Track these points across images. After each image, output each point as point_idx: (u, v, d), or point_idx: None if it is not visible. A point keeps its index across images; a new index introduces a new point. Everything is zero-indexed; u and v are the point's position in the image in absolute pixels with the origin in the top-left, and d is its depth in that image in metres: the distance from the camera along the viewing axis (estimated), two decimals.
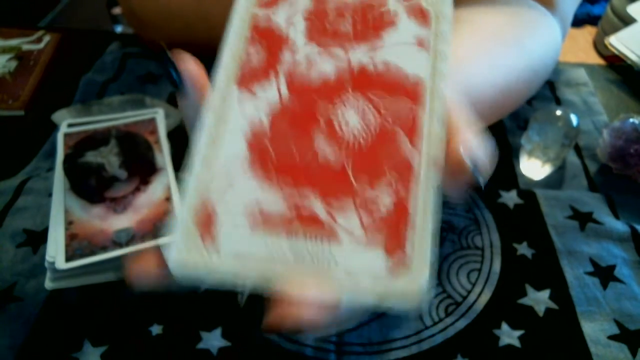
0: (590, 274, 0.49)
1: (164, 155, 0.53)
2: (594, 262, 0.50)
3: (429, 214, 0.25)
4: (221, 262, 0.24)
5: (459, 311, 0.46)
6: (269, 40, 0.30)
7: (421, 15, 0.30)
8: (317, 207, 0.25)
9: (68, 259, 0.44)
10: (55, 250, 0.44)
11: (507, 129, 0.66)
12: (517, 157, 0.62)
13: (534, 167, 0.60)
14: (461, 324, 0.45)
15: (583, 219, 0.54)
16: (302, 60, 0.29)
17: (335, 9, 0.30)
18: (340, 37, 0.30)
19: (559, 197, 0.56)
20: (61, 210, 0.48)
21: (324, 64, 0.29)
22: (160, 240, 0.44)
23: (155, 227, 0.47)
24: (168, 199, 0.49)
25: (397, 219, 0.25)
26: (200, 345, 0.44)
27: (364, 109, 0.27)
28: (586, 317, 0.46)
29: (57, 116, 0.62)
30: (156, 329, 0.44)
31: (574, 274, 0.49)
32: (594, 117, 0.68)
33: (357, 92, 0.28)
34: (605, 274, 0.49)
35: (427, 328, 0.45)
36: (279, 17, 0.30)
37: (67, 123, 0.56)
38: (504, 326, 0.45)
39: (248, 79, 0.29)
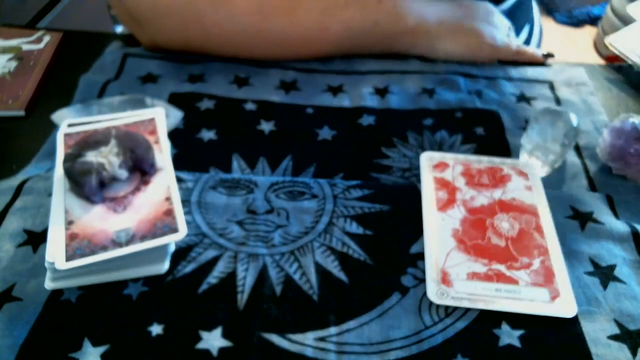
0: (590, 274, 0.49)
1: (164, 155, 0.53)
2: (594, 262, 0.50)
3: (562, 268, 0.49)
4: (455, 300, 0.47)
5: (459, 311, 0.46)
6: (447, 187, 0.56)
7: (523, 174, 0.58)
8: (502, 268, 0.49)
9: (68, 258, 0.44)
10: (55, 250, 0.44)
11: (506, 129, 0.66)
12: (517, 157, 0.62)
13: (533, 165, 0.60)
14: (461, 324, 0.45)
15: (583, 218, 0.54)
16: (468, 198, 0.55)
17: (477, 171, 0.58)
18: (484, 185, 0.57)
19: (559, 197, 0.56)
20: (61, 210, 0.48)
21: (480, 199, 0.55)
22: (161, 240, 0.45)
23: (155, 226, 0.47)
24: (168, 198, 0.49)
25: (546, 273, 0.49)
26: (200, 345, 0.44)
27: (509, 220, 0.53)
28: (586, 317, 0.46)
29: (57, 116, 0.62)
30: (156, 329, 0.44)
31: (574, 274, 0.49)
32: (593, 116, 0.68)
33: (502, 212, 0.54)
34: (605, 274, 0.49)
35: (427, 328, 0.45)
36: (448, 176, 0.58)
37: (67, 123, 0.56)
38: (504, 326, 0.45)
39: (442, 207, 0.54)
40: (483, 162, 0.59)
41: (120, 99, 0.65)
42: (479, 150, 0.63)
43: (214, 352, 0.43)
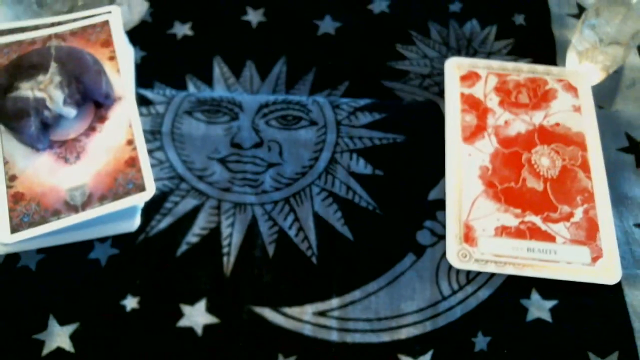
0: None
1: (122, 78, 0.42)
2: None
3: (609, 222, 0.41)
4: (479, 264, 0.39)
5: (483, 277, 0.39)
6: (477, 109, 0.45)
7: (572, 89, 0.47)
8: (537, 221, 0.40)
9: (14, 229, 0.36)
10: None
11: (553, 17, 0.52)
12: (562, 57, 0.50)
13: (583, 74, 0.48)
14: (484, 293, 0.39)
15: None
16: (501, 123, 0.44)
17: (515, 87, 0.46)
18: (522, 105, 0.45)
19: (613, 119, 0.46)
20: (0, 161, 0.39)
21: (517, 125, 0.44)
22: (123, 202, 0.36)
23: (116, 182, 0.38)
24: (130, 141, 0.40)
25: (590, 226, 0.40)
26: (183, 323, 0.38)
27: (550, 154, 0.43)
28: (631, 282, 0.39)
29: None
30: (131, 303, 0.38)
31: (622, 227, 0.41)
32: None
33: (543, 144, 0.44)
34: None
35: (444, 299, 0.39)
36: (479, 93, 0.46)
37: None
38: (534, 296, 0.39)
39: (469, 137, 0.44)
40: (523, 71, 0.47)
41: None
42: (518, 48, 0.50)
43: (199, 331, 0.38)
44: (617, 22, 0.46)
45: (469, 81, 0.47)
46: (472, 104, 0.46)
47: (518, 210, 0.41)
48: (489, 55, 0.50)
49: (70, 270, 0.39)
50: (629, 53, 0.48)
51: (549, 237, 0.40)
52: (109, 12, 0.45)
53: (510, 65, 0.48)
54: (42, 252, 0.40)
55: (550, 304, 0.39)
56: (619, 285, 0.39)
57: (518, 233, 0.40)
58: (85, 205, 0.37)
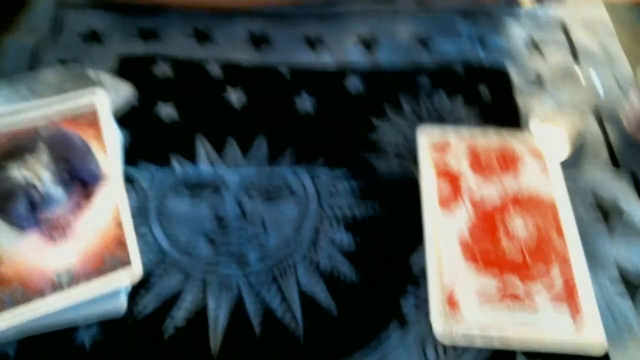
0: (620, 293, 0.42)
1: (109, 157, 0.44)
2: (623, 275, 0.43)
3: (587, 286, 0.41)
4: (467, 328, 0.39)
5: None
6: (450, 176, 0.48)
7: (538, 153, 0.49)
8: (518, 288, 0.41)
9: None
10: None
11: (515, 88, 0.56)
12: (527, 123, 0.53)
13: (547, 141, 0.51)
14: (469, 356, 0.39)
15: (608, 213, 0.46)
16: (475, 188, 0.47)
17: (484, 152, 0.49)
18: (493, 171, 0.48)
19: (579, 183, 0.48)
20: None
21: (489, 190, 0.47)
22: (111, 283, 0.37)
23: (104, 261, 0.38)
24: (118, 220, 0.41)
25: (569, 290, 0.41)
26: None
27: (524, 217, 0.45)
28: (617, 348, 0.40)
29: None
30: None
31: (601, 293, 0.42)
32: (615, 67, 0.58)
33: (516, 208, 0.46)
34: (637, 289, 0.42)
35: None
36: (451, 160, 0.49)
37: None
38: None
39: (445, 203, 0.46)
40: (491, 140, 0.50)
41: (57, 75, 0.53)
42: (484, 116, 0.54)
43: None
44: (571, 94, 0.50)
45: (441, 152, 0.50)
46: (446, 175, 0.48)
47: (496, 272, 0.42)
48: (458, 125, 0.53)
49: (50, 356, 0.38)
50: (586, 122, 0.51)
51: (530, 301, 0.41)
52: (96, 96, 0.47)
53: (478, 134, 0.51)
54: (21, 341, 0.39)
55: None
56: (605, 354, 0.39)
57: (501, 299, 0.41)
58: (72, 285, 0.37)
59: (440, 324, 0.40)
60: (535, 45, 0.60)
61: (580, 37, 0.61)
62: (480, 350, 0.39)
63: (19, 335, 0.38)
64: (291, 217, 0.45)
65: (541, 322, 0.40)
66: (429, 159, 0.49)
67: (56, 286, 0.37)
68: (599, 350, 0.38)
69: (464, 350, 0.39)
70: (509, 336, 0.39)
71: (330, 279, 0.42)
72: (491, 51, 0.60)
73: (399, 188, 0.47)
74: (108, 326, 0.40)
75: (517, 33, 0.62)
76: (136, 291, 0.41)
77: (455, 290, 0.41)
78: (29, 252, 0.39)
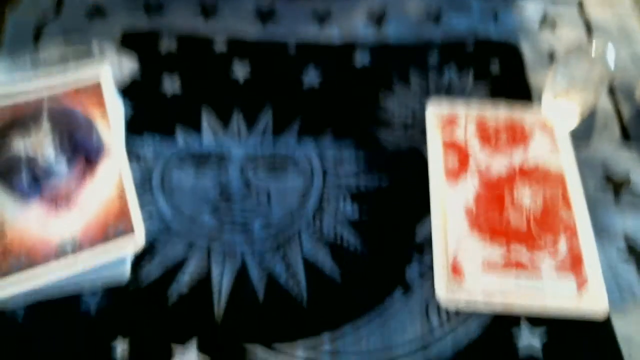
0: (624, 259, 0.42)
1: (112, 132, 0.44)
2: (629, 243, 0.43)
3: (593, 255, 0.41)
4: (469, 294, 0.39)
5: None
6: (458, 151, 0.46)
7: (549, 130, 0.48)
8: (522, 253, 0.41)
9: (2, 279, 0.36)
10: None
11: (527, 65, 0.55)
12: (539, 101, 0.52)
13: (559, 116, 0.50)
14: (473, 324, 0.39)
15: (618, 186, 0.46)
16: (482, 164, 0.45)
17: (494, 127, 0.47)
18: (502, 146, 0.46)
19: (589, 157, 0.47)
20: None
21: (497, 165, 0.45)
22: (114, 252, 0.37)
23: (107, 232, 0.38)
24: (120, 193, 0.40)
25: (575, 260, 0.40)
26: None
27: (532, 192, 0.44)
28: (619, 313, 0.39)
29: None
30: (121, 346, 0.38)
31: (606, 259, 0.42)
32: (632, 47, 0.57)
33: (524, 182, 0.44)
34: None
35: (435, 330, 0.39)
36: (459, 136, 0.47)
37: None
38: (524, 327, 0.39)
39: (453, 178, 0.44)
40: (501, 114, 0.49)
41: (61, 50, 0.53)
42: (494, 91, 0.52)
43: None
44: (584, 70, 0.49)
45: (449, 125, 0.49)
46: (454, 147, 0.47)
47: (503, 242, 0.41)
48: (467, 99, 0.52)
49: (58, 319, 0.39)
50: (599, 97, 0.50)
51: (535, 270, 0.40)
52: (99, 69, 0.47)
53: (488, 108, 0.50)
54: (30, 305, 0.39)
55: (540, 329, 0.39)
56: (607, 316, 0.39)
57: (505, 267, 0.40)
58: (75, 253, 0.37)
59: (444, 290, 0.40)
60: (549, 21, 0.59)
61: (596, 12, 0.60)
62: (483, 316, 0.39)
63: (27, 300, 0.39)
64: (296, 188, 0.45)
65: (545, 289, 0.40)
66: (437, 131, 0.48)
67: (60, 254, 0.37)
68: (601, 316, 0.39)
69: (468, 315, 0.39)
70: (512, 302, 0.39)
71: (335, 247, 0.42)
72: (503, 26, 0.58)
73: (406, 160, 0.47)
74: (113, 293, 0.40)
75: (531, 8, 0.60)
76: (140, 259, 0.41)
77: (460, 258, 0.41)
78: (32, 222, 0.39)
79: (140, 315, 0.39)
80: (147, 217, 0.43)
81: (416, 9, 0.60)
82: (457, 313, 0.39)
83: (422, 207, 0.44)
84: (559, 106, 0.50)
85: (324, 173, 0.46)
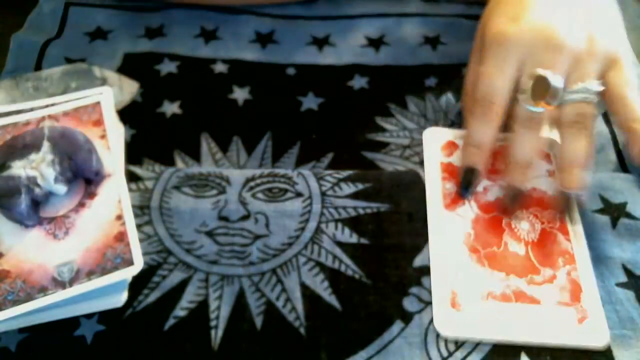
0: (623, 285, 0.42)
1: (113, 155, 0.44)
2: (627, 270, 0.43)
3: (591, 282, 0.41)
4: (468, 324, 0.39)
5: (471, 343, 0.39)
6: (456, 177, 0.46)
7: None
8: (521, 284, 0.41)
9: None
10: None
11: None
12: None
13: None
14: (474, 358, 0.39)
15: (615, 213, 0.46)
16: (480, 189, 0.46)
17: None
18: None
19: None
20: None
21: (495, 191, 0.46)
22: (111, 277, 0.37)
23: (105, 257, 0.38)
24: (119, 216, 0.40)
25: (574, 290, 0.41)
26: None
27: (529, 218, 0.44)
28: (619, 343, 0.39)
29: None
30: None
31: (605, 287, 0.42)
32: None
33: (522, 208, 0.45)
34: None
35: None
36: (457, 161, 0.48)
37: None
38: (524, 358, 0.39)
39: (450, 204, 0.45)
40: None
41: (62, 70, 0.53)
42: None
43: None
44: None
45: (447, 150, 0.49)
46: (452, 172, 0.47)
47: (502, 274, 0.42)
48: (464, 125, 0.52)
49: (54, 349, 0.39)
50: (595, 119, 0.50)
51: (534, 301, 0.40)
52: (101, 94, 0.47)
53: None
54: (24, 331, 0.39)
55: None
56: (607, 347, 0.39)
57: (504, 298, 0.40)
58: (73, 281, 0.37)
59: (442, 315, 0.40)
60: None
61: None
62: (482, 347, 0.39)
63: (20, 324, 0.38)
64: (295, 216, 0.45)
65: (545, 320, 0.39)
66: (435, 159, 0.49)
67: (57, 281, 0.37)
68: (602, 347, 0.39)
69: (466, 348, 0.39)
70: (512, 333, 0.39)
71: (334, 277, 0.42)
72: None
73: (405, 183, 0.47)
74: (109, 318, 0.40)
75: None
76: (137, 284, 0.41)
77: (458, 289, 0.41)
78: (31, 248, 0.39)
79: (137, 341, 0.39)
80: (145, 240, 0.43)
81: (413, 33, 0.61)
82: (457, 345, 0.39)
83: (420, 236, 0.44)
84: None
85: (323, 197, 0.46)
